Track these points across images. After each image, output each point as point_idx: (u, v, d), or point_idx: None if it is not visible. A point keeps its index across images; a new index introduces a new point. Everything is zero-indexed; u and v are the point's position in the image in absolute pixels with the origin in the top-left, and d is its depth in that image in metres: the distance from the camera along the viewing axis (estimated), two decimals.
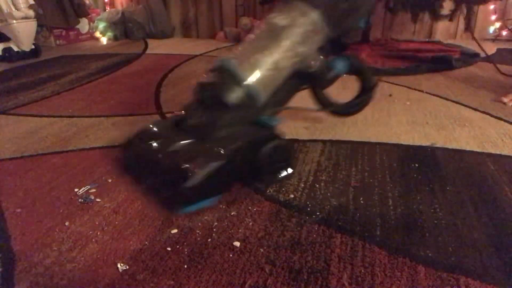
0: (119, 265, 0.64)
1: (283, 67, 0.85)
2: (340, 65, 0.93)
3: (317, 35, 0.86)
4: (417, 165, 0.96)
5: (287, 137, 0.82)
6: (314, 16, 0.84)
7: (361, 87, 1.05)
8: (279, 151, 0.84)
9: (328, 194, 0.84)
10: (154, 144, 0.80)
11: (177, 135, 0.82)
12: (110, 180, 0.90)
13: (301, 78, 0.90)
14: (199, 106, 0.86)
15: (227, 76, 0.82)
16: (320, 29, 0.85)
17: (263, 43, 0.85)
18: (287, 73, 0.86)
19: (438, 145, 1.07)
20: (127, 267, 0.64)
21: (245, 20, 2.72)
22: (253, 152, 0.80)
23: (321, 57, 0.89)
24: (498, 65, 1.84)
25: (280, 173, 0.87)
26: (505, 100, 1.40)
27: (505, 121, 1.24)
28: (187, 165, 0.72)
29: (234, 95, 0.81)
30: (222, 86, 0.82)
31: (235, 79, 0.81)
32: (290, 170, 0.88)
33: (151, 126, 0.89)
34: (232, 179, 0.83)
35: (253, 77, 0.82)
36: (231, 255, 0.66)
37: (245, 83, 0.81)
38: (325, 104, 1.05)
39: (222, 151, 0.75)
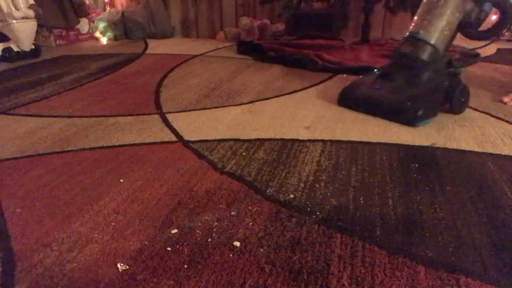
0: (119, 265, 0.64)
1: (453, 24, 1.27)
2: (486, 6, 1.25)
3: None
4: (417, 165, 0.96)
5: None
6: None
7: (500, 16, 1.31)
8: (464, 91, 1.31)
9: (328, 194, 0.84)
10: (377, 86, 1.33)
11: (393, 84, 1.30)
12: (110, 180, 0.91)
13: (463, 26, 1.28)
14: (402, 68, 1.31)
15: (419, 43, 1.27)
16: None
17: (435, 12, 1.26)
18: (455, 28, 1.27)
19: (438, 145, 1.07)
20: (127, 267, 0.64)
21: (245, 20, 2.71)
22: (450, 91, 1.27)
23: (475, 6, 1.26)
24: (498, 65, 1.84)
25: (464, 105, 1.32)
26: (505, 100, 1.40)
27: (505, 121, 1.24)
28: (420, 100, 1.22)
29: (425, 54, 1.26)
30: (418, 51, 1.27)
31: (425, 44, 1.26)
32: (466, 108, 1.33)
33: (360, 79, 1.43)
34: (437, 107, 1.27)
35: (436, 40, 1.26)
36: (231, 255, 0.66)
37: (431, 44, 1.25)
38: (475, 35, 1.34)
39: (435, 91, 1.25)
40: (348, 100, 1.38)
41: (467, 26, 1.29)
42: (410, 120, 1.19)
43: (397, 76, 1.30)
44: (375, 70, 1.49)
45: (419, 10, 1.32)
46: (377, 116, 1.28)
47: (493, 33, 1.34)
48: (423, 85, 1.25)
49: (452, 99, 1.26)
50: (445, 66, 1.31)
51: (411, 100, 1.20)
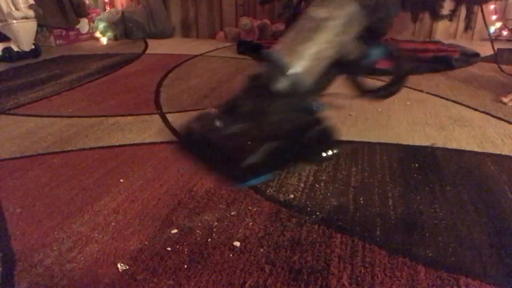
0: (119, 265, 0.64)
1: (325, 57, 0.94)
2: (376, 52, 1.00)
3: (354, 25, 0.94)
4: (417, 165, 0.96)
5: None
6: (351, 8, 0.94)
7: (395, 73, 1.10)
8: (323, 134, 0.93)
9: (328, 194, 0.84)
10: (215, 126, 0.92)
11: (232, 120, 0.92)
12: (110, 180, 0.91)
13: (340, 66, 0.98)
14: (249, 95, 0.96)
15: (274, 68, 0.92)
16: (357, 19, 0.94)
17: (306, 35, 0.93)
18: (329, 62, 0.95)
19: (438, 145, 1.07)
20: (127, 267, 0.64)
21: (245, 20, 2.71)
22: (301, 135, 0.89)
23: (359, 45, 0.97)
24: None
25: (325, 153, 0.95)
26: (505, 100, 1.40)
27: (505, 121, 1.24)
28: (246, 145, 0.84)
29: (281, 84, 0.90)
30: (270, 77, 0.91)
31: (281, 70, 0.90)
32: (334, 150, 0.95)
33: (205, 113, 1.01)
34: (283, 159, 0.90)
35: (298, 67, 0.90)
36: (231, 255, 0.66)
37: (290, 72, 0.89)
38: (362, 90, 1.12)
39: (270, 137, 0.86)
40: (183, 143, 1.00)
41: (348, 67, 1.00)
42: (234, 178, 0.83)
43: (241, 106, 0.94)
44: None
45: (289, 33, 0.99)
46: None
47: (381, 93, 1.07)
48: (266, 126, 0.89)
49: (305, 146, 0.91)
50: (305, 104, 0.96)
51: (237, 149, 0.84)
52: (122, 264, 0.64)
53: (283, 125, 0.88)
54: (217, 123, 0.91)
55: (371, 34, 0.99)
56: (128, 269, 0.63)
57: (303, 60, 0.91)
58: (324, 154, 0.91)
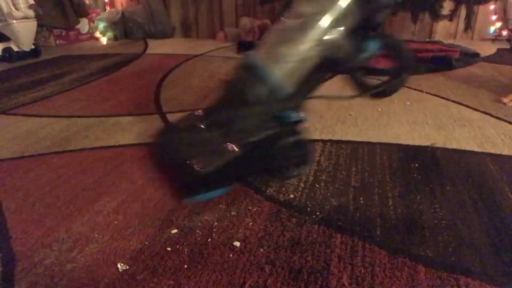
0: (119, 265, 0.64)
1: (310, 57, 0.84)
2: (371, 45, 0.90)
3: (346, 19, 0.85)
4: (417, 165, 0.96)
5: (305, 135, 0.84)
6: (342, 0, 0.83)
7: (396, 66, 0.99)
8: (295, 147, 0.86)
9: (328, 194, 0.84)
10: (180, 136, 0.90)
11: (203, 129, 0.89)
12: (110, 180, 0.91)
13: (330, 65, 0.88)
14: (224, 102, 0.90)
15: (250, 73, 0.84)
16: (349, 12, 0.84)
17: (289, 35, 0.84)
18: (314, 62, 0.85)
19: (438, 145, 1.07)
20: (127, 267, 0.64)
21: (245, 20, 2.71)
22: (271, 146, 0.83)
23: (352, 40, 0.87)
24: (498, 65, 1.84)
25: (293, 171, 0.89)
26: (505, 100, 1.40)
27: (505, 121, 1.24)
28: (193, 159, 0.78)
29: (256, 91, 0.82)
30: (245, 83, 0.84)
31: (257, 76, 0.82)
32: (303, 171, 0.90)
33: (184, 118, 0.98)
34: (243, 172, 0.86)
35: (278, 72, 0.82)
36: (231, 255, 0.66)
37: (269, 78, 0.81)
38: (363, 88, 1.02)
39: (234, 146, 0.79)
40: (155, 151, 0.99)
41: (338, 65, 0.91)
42: (182, 191, 0.81)
43: (217, 115, 0.90)
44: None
45: (269, 35, 0.90)
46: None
47: (382, 89, 0.99)
48: (235, 134, 0.82)
49: (276, 158, 0.85)
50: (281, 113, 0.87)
51: (195, 158, 0.78)
52: (122, 264, 0.64)
53: (252, 134, 0.81)
54: (200, 125, 0.88)
55: (365, 27, 0.90)
56: (128, 269, 0.63)
57: (283, 63, 0.82)
58: (290, 171, 0.86)
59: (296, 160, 0.88)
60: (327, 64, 0.87)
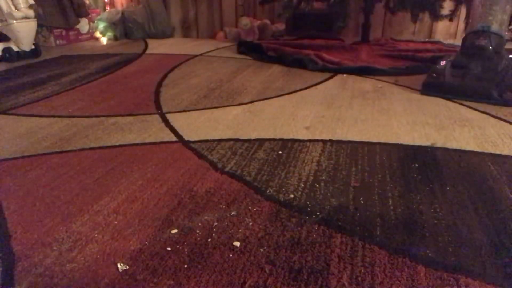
0: (119, 265, 0.64)
1: (509, 15, 1.47)
2: None
3: None
4: (417, 165, 0.96)
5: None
6: None
7: None
8: None
9: (328, 194, 0.84)
10: (459, 75, 1.50)
11: (467, 71, 1.49)
12: (110, 180, 0.91)
13: None
14: (472, 56, 1.49)
15: (493, 36, 1.45)
16: None
17: (498, 7, 1.45)
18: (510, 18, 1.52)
19: (438, 145, 1.07)
20: (127, 267, 0.64)
21: (245, 20, 2.71)
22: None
23: None
24: None
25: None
26: None
27: (505, 121, 1.24)
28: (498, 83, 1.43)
29: (500, 47, 1.45)
30: (492, 44, 1.45)
31: (497, 37, 1.45)
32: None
33: (436, 69, 1.59)
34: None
35: (502, 30, 1.46)
36: (231, 255, 0.66)
37: (502, 36, 1.47)
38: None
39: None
40: (437, 89, 1.51)
41: None
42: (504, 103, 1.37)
43: (472, 66, 1.46)
44: (441, 61, 1.62)
45: (480, 1, 1.49)
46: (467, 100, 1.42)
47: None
48: (499, 71, 1.45)
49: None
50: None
51: (499, 86, 1.41)
52: (122, 264, 0.64)
53: (505, 69, 1.44)
54: (458, 74, 1.47)
55: None
56: (128, 269, 0.63)
57: (503, 24, 1.44)
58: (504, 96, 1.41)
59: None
60: None
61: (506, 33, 1.40)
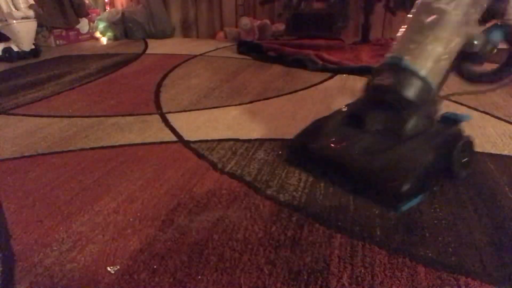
0: (108, 268, 0.63)
1: (452, 53, 0.86)
2: (495, 35, 0.90)
3: (476, 8, 0.86)
4: None
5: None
6: None
7: (510, 55, 1.01)
8: (468, 147, 0.90)
9: (328, 194, 0.84)
10: (343, 144, 0.88)
11: (364, 135, 0.88)
12: (110, 180, 0.91)
13: (462, 58, 0.90)
14: (377, 106, 0.90)
15: (403, 74, 0.84)
16: (479, 2, 0.86)
17: (430, 32, 0.85)
18: (453, 58, 0.87)
19: None
20: (118, 267, 0.63)
21: (245, 20, 2.71)
22: (447, 149, 0.85)
23: (482, 32, 0.89)
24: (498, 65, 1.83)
25: (468, 167, 0.91)
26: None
27: (505, 121, 1.24)
28: (403, 168, 0.79)
29: (413, 92, 0.83)
30: (403, 85, 0.84)
31: (412, 76, 0.83)
32: (468, 172, 0.91)
33: (321, 122, 0.98)
34: (434, 175, 0.86)
35: (427, 70, 0.84)
36: (231, 255, 0.66)
37: (421, 76, 0.83)
38: (475, 77, 1.05)
39: (426, 149, 0.81)
40: (300, 155, 0.97)
41: (470, 59, 0.91)
42: (391, 202, 0.79)
43: (371, 120, 0.89)
44: (344, 107, 1.01)
45: (404, 31, 0.92)
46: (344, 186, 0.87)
47: (500, 75, 1.02)
48: (407, 139, 0.83)
49: (450, 161, 0.85)
50: (438, 111, 0.92)
51: (392, 169, 0.79)
52: (111, 267, 0.63)
53: (428, 139, 0.83)
54: (343, 136, 0.89)
55: (488, 16, 0.90)
56: (128, 269, 0.63)
57: (430, 61, 0.84)
58: (461, 172, 0.88)
59: (463, 162, 0.89)
60: (464, 57, 0.88)
61: (436, 80, 0.87)
